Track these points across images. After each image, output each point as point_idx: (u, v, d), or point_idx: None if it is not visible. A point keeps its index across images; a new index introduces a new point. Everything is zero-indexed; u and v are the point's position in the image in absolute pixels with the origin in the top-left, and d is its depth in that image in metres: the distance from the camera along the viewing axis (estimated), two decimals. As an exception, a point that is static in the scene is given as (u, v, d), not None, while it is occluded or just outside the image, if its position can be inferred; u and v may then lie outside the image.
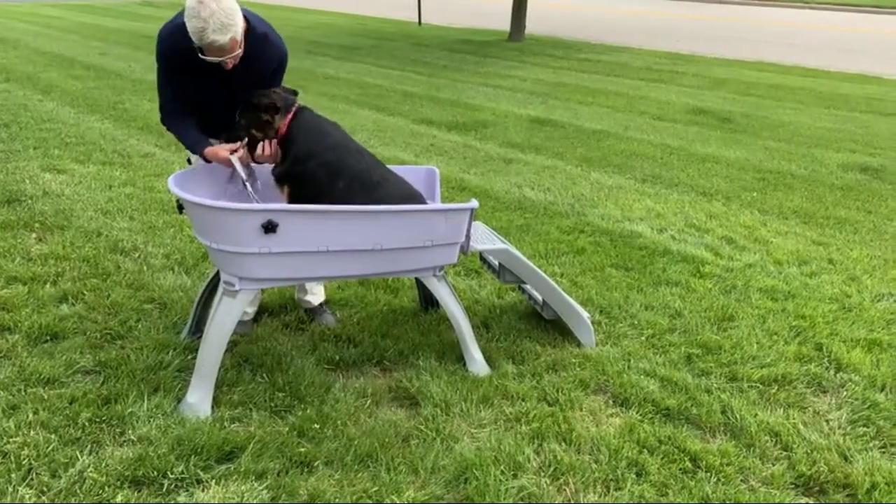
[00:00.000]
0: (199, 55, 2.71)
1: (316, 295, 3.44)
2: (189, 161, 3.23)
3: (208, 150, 2.96)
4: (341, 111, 7.95)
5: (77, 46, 12.49)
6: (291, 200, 2.87)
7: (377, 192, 2.85)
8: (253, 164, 3.00)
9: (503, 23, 16.09)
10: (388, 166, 3.08)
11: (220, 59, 2.72)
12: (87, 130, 6.78)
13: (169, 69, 2.92)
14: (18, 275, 3.71)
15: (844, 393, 3.01)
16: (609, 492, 2.40)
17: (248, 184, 2.92)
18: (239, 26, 2.68)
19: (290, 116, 2.89)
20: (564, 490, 2.40)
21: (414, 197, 2.95)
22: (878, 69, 12.65)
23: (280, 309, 3.51)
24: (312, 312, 3.45)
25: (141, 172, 5.57)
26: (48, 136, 6.47)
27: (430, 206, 2.95)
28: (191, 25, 2.62)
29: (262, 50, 2.90)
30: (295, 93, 3.02)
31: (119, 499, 2.25)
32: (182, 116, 3.01)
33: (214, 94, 2.92)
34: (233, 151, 2.92)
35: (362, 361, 3.10)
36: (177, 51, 2.77)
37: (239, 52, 2.74)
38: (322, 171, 2.85)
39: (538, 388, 2.94)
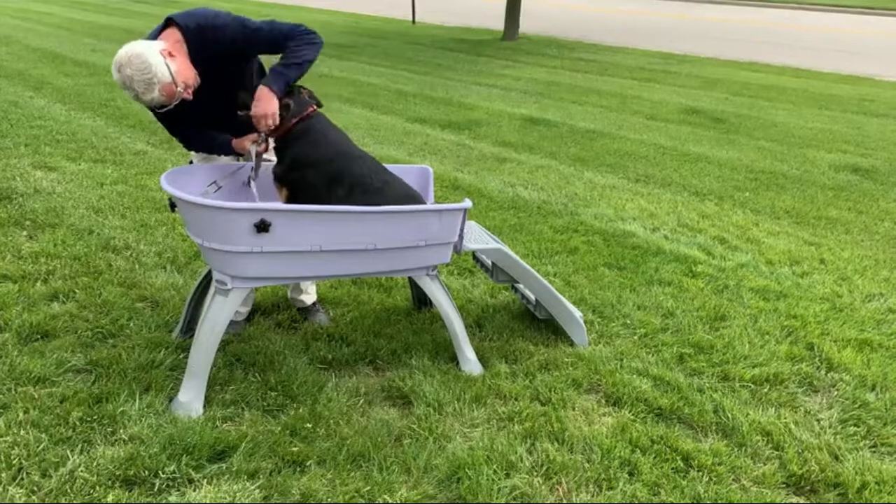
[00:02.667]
0: (158, 111, 2.74)
1: (309, 294, 3.44)
2: (191, 162, 3.23)
3: (235, 143, 2.99)
4: (335, 110, 7.93)
5: (68, 43, 12.43)
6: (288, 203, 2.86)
7: (378, 197, 2.83)
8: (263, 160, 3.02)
9: (497, 22, 16.09)
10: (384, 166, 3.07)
11: (173, 103, 2.69)
12: (79, 128, 6.75)
13: (171, 123, 2.94)
14: (9, 273, 3.69)
15: (835, 392, 3.03)
16: (601, 491, 2.41)
17: (252, 181, 2.94)
18: (160, 74, 2.60)
19: (297, 119, 2.88)
20: (557, 489, 2.41)
21: (413, 198, 2.95)
22: (870, 70, 12.71)
23: (272, 308, 3.50)
24: (305, 312, 3.44)
25: (133, 170, 5.55)
26: (39, 134, 6.43)
27: (423, 206, 2.94)
28: (127, 95, 2.68)
29: (208, 40, 2.75)
30: (319, 104, 2.99)
31: (110, 498, 2.24)
32: (197, 133, 3.02)
33: (206, 104, 2.87)
34: (255, 142, 2.93)
35: (355, 360, 3.10)
36: (165, 113, 2.79)
37: (180, 89, 2.66)
38: (322, 180, 2.83)
39: (531, 388, 2.94)
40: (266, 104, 2.77)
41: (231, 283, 2.69)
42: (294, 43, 2.79)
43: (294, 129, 2.89)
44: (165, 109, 2.73)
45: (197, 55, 2.76)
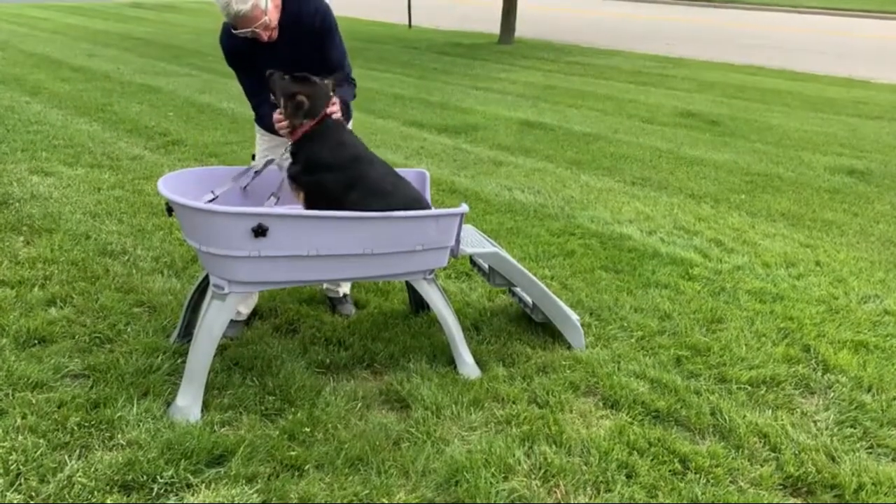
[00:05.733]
0: (233, 31, 2.88)
1: (342, 286, 3.54)
2: (253, 157, 3.33)
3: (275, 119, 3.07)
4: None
5: (65, 48, 12.42)
6: (308, 206, 2.86)
7: (389, 200, 2.82)
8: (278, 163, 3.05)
9: (493, 26, 16.13)
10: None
11: (251, 29, 2.84)
12: (76, 133, 6.74)
13: (237, 68, 3.13)
14: (6, 278, 3.69)
15: (832, 394, 3.04)
16: (599, 493, 2.41)
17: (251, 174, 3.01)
18: None
19: (312, 122, 2.88)
20: (555, 492, 2.41)
21: (418, 200, 2.95)
22: (865, 73, 12.76)
23: (270, 312, 3.50)
24: (335, 301, 3.54)
25: (130, 175, 5.55)
26: (36, 139, 6.42)
27: (420, 211, 2.94)
28: (218, 3, 2.81)
29: (299, 8, 2.99)
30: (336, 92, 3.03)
31: (108, 503, 2.24)
32: (271, 103, 3.09)
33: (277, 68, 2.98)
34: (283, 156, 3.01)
35: (353, 364, 3.10)
36: (232, 45, 3.00)
37: (265, 20, 2.85)
38: (338, 184, 2.84)
39: (528, 391, 2.95)
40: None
41: (228, 287, 2.69)
42: (348, 86, 3.22)
43: (309, 132, 2.89)
44: (239, 32, 2.85)
45: (285, 19, 2.96)
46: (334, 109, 2.95)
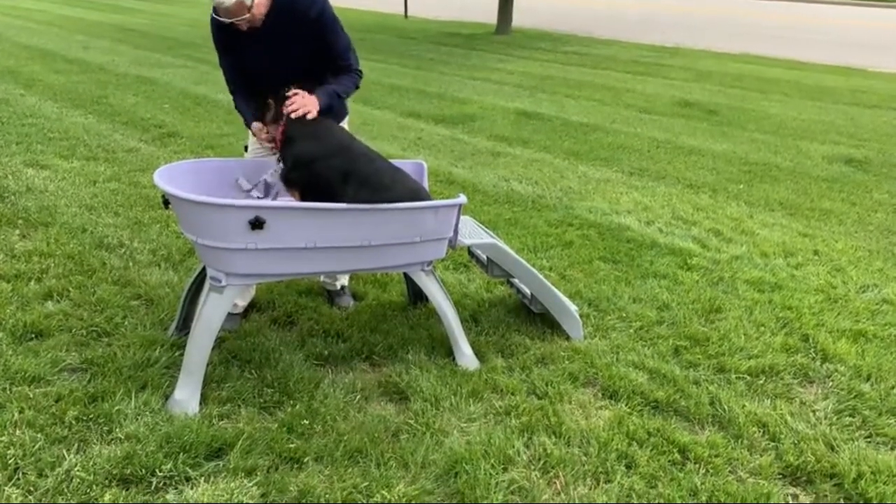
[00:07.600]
0: (214, 15, 2.87)
1: (340, 278, 3.52)
2: (245, 148, 3.32)
3: (255, 128, 3.08)
4: (328, 105, 7.90)
5: (59, 40, 12.35)
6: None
7: (388, 194, 2.79)
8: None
9: (490, 16, 16.07)
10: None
11: (231, 20, 2.84)
12: (71, 125, 6.71)
13: (221, 49, 3.08)
14: (2, 272, 3.67)
15: (830, 383, 3.04)
16: (599, 484, 2.41)
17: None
18: None
19: (282, 125, 2.87)
20: (554, 483, 2.41)
21: (418, 192, 2.92)
22: (863, 61, 12.74)
23: (267, 304, 3.49)
24: (332, 294, 3.53)
25: (126, 167, 5.52)
26: (31, 132, 6.39)
27: (418, 203, 2.93)
28: None
29: (290, 6, 2.93)
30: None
31: (107, 498, 2.23)
32: (245, 96, 3.10)
33: (262, 64, 2.98)
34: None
35: (351, 356, 3.09)
36: (219, 27, 2.95)
37: (248, 16, 2.83)
38: (331, 175, 2.81)
39: (527, 382, 2.95)
40: (309, 99, 2.91)
41: (225, 279, 2.68)
42: (348, 77, 3.11)
43: (286, 135, 2.88)
44: (220, 19, 2.85)
45: (277, 7, 2.91)
46: (292, 108, 2.90)
